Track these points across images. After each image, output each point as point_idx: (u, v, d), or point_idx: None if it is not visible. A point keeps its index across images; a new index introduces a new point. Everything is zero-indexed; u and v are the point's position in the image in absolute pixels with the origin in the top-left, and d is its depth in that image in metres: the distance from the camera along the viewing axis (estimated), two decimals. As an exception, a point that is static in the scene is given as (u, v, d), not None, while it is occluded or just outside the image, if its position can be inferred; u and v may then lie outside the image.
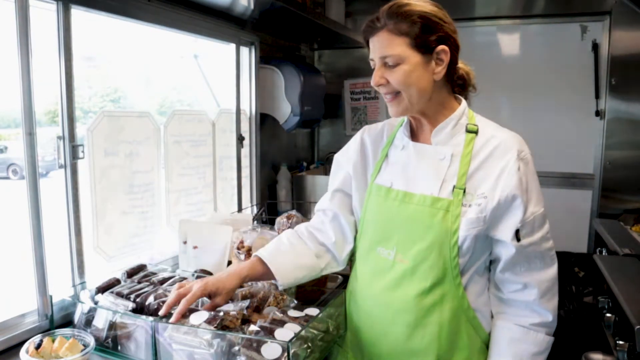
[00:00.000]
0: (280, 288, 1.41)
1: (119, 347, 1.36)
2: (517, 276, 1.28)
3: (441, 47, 1.24)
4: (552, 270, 1.30)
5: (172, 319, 1.25)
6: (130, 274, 1.63)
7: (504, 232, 1.25)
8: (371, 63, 1.29)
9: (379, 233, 1.36)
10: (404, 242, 1.30)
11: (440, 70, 1.25)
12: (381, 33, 1.24)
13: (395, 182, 1.35)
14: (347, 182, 1.46)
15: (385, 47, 1.24)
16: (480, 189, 1.25)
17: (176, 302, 1.27)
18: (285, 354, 1.14)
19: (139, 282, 1.58)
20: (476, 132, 1.30)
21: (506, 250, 1.26)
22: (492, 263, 1.34)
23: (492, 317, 1.34)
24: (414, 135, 1.38)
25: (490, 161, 1.26)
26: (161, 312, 1.28)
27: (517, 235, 1.24)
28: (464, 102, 1.35)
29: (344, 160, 1.48)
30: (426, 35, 1.22)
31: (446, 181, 1.28)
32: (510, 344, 1.29)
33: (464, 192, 1.25)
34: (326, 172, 3.28)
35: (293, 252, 1.44)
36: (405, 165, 1.36)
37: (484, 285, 1.34)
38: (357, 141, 1.47)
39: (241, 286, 1.49)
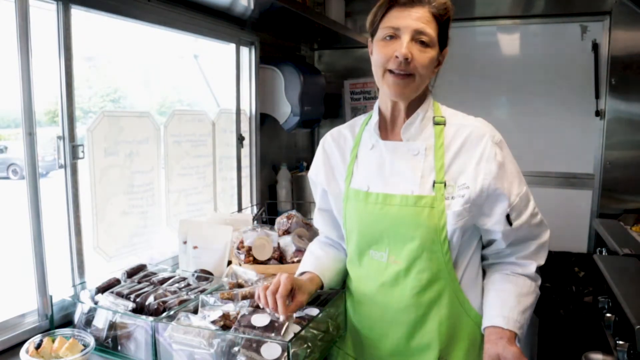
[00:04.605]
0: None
1: (119, 347, 1.36)
2: (503, 246, 1.31)
3: (446, 49, 1.28)
4: (541, 238, 1.32)
5: (284, 310, 1.19)
6: (130, 274, 1.64)
7: (494, 219, 1.26)
8: (388, 31, 1.22)
9: (367, 237, 1.34)
10: (395, 243, 1.30)
11: (438, 69, 1.30)
12: (425, 8, 1.22)
13: (372, 185, 1.32)
14: (325, 197, 1.46)
15: (425, 24, 1.22)
16: (461, 179, 1.25)
17: (273, 301, 1.20)
18: (285, 354, 1.14)
19: (139, 282, 1.59)
20: (444, 123, 1.30)
21: (498, 235, 1.28)
22: (483, 249, 1.36)
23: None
24: (385, 133, 1.36)
25: (465, 150, 1.26)
26: (261, 304, 1.23)
27: (509, 220, 1.25)
28: (429, 95, 1.35)
29: (314, 175, 1.48)
30: (445, 31, 1.26)
31: (424, 177, 1.26)
32: (493, 288, 1.30)
33: (445, 185, 1.25)
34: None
35: (332, 259, 1.47)
36: (379, 166, 1.33)
37: (478, 273, 1.35)
38: (320, 152, 1.46)
39: (241, 286, 1.49)
